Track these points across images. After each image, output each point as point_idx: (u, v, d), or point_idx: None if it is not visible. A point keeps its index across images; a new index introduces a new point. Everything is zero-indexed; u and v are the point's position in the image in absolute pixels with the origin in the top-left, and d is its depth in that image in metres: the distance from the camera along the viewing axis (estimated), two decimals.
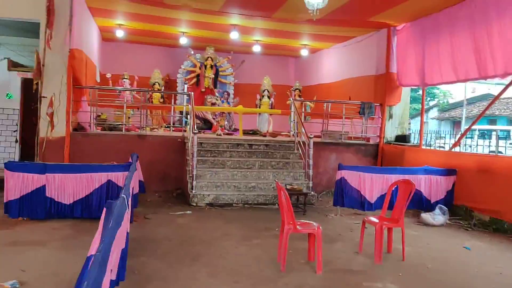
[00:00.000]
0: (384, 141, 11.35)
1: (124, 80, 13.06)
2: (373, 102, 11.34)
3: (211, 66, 15.10)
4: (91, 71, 11.72)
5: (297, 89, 14.46)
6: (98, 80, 13.07)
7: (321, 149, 10.67)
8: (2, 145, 10.20)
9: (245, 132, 12.80)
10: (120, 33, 12.79)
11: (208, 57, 15.01)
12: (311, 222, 5.47)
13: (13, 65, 10.24)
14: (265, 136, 12.71)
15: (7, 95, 10.29)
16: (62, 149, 9.23)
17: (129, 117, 12.16)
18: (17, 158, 10.11)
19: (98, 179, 7.15)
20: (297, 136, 10.58)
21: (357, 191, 8.28)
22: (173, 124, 14.07)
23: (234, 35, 12.05)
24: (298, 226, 5.12)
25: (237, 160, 9.61)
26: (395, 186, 6.36)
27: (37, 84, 9.26)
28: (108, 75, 12.66)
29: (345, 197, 8.27)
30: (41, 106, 9.28)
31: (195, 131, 8.91)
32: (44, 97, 9.27)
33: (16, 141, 10.15)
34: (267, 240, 6.39)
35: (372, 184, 8.31)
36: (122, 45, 15.23)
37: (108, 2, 10.31)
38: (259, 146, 10.24)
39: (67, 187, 7.00)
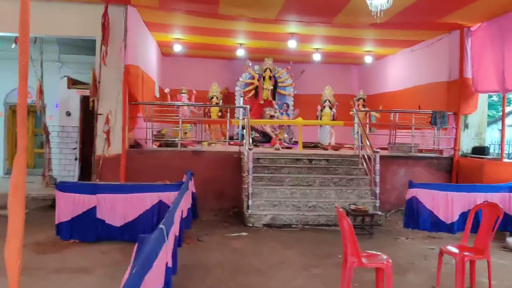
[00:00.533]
0: (460, 153, 10.26)
1: (182, 94, 12.90)
2: (446, 110, 10.30)
3: (270, 78, 14.64)
4: (149, 87, 11.65)
5: (361, 98, 13.63)
6: (158, 96, 13.02)
7: (389, 163, 9.79)
8: (62, 163, 10.29)
9: (305, 145, 12.16)
10: (178, 48, 12.67)
11: (266, 68, 14.57)
12: (379, 253, 4.73)
13: (73, 83, 10.34)
14: (326, 149, 12.00)
15: (66, 113, 10.38)
16: (118, 167, 9.09)
17: (185, 132, 11.94)
18: (76, 176, 10.14)
19: (150, 199, 6.83)
20: (361, 149, 9.80)
21: (431, 212, 7.38)
22: (231, 138, 13.79)
23: (292, 44, 11.51)
24: (363, 259, 4.41)
25: (296, 176, 9.00)
26: (478, 209, 5.47)
27: (93, 101, 9.22)
28: (167, 90, 12.55)
29: (418, 218, 7.40)
30: (97, 123, 9.22)
31: (251, 147, 8.41)
32: (100, 114, 9.21)
33: (76, 159, 10.20)
34: (328, 270, 5.71)
35: (448, 204, 7.37)
36: (180, 60, 15.18)
37: (164, 16, 10.15)
38: (320, 161, 9.57)
39: (117, 208, 6.73)
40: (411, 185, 7.55)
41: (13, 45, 9.64)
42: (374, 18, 6.95)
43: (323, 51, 13.38)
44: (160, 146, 10.21)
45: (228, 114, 12.11)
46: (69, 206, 6.66)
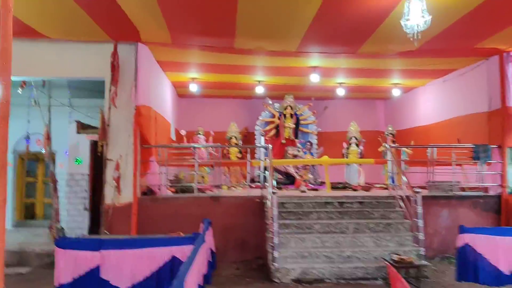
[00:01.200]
0: (508, 191, 9.15)
1: (199, 136, 12.19)
2: (489, 143, 9.29)
3: (291, 115, 13.89)
4: (163, 129, 10.99)
5: (390, 133, 12.69)
6: (174, 138, 12.36)
7: (429, 204, 8.72)
8: (71, 214, 9.53)
9: (333, 186, 11.19)
10: (194, 87, 12.07)
11: (287, 106, 13.84)
12: None
13: (83, 127, 9.73)
14: (356, 190, 11.00)
15: (76, 161, 9.71)
16: (130, 217, 8.28)
17: (202, 176, 11.15)
18: (86, 228, 9.34)
19: (161, 255, 5.90)
20: (397, 189, 8.80)
21: (490, 262, 6.27)
22: (252, 181, 12.93)
23: (314, 78, 10.77)
24: None
25: (327, 222, 8.02)
26: None
27: (102, 146, 8.54)
28: (183, 132, 11.87)
29: (474, 270, 6.27)
30: (107, 169, 8.50)
31: (275, 190, 7.51)
32: (109, 159, 8.50)
33: (85, 209, 9.43)
34: None
35: (510, 252, 6.26)
36: (197, 100, 14.65)
37: (178, 54, 9.59)
38: (352, 204, 8.58)
39: (124, 266, 5.82)
40: (463, 230, 6.48)
41: (19, 90, 9.18)
42: (404, 45, 6.19)
43: (347, 85, 12.62)
44: (175, 192, 9.40)
45: (249, 155, 11.32)
46: (70, 265, 5.78)
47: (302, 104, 14.18)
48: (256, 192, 9.06)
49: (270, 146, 8.74)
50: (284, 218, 8.13)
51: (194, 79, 11.92)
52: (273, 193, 7.59)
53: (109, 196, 8.44)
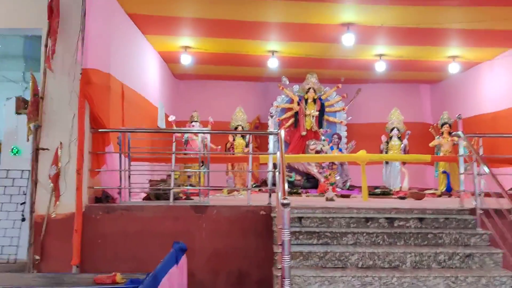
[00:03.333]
0: None
1: (193, 123, 9.34)
2: None
3: (314, 101, 10.95)
4: (144, 113, 8.25)
5: (445, 123, 9.58)
6: (163, 126, 9.59)
7: None
8: (2, 226, 6.78)
9: (370, 192, 8.20)
10: (186, 60, 9.26)
11: (309, 88, 10.90)
12: None
13: (24, 106, 6.99)
14: (403, 198, 8.01)
15: (12, 150, 7.01)
16: (71, 236, 5.51)
17: (189, 176, 8.33)
18: (25, 246, 6.59)
19: None
20: (476, 199, 5.78)
21: None
22: (264, 183, 10.12)
23: (348, 40, 7.74)
24: None
25: (370, 251, 5.06)
26: None
27: (36, 128, 5.80)
28: (171, 118, 9.03)
29: None
30: (39, 164, 5.76)
31: (286, 200, 4.56)
32: (44, 149, 5.76)
33: (23, 220, 6.68)
34: None
35: None
36: (198, 83, 11.96)
37: (159, 5, 6.83)
38: (408, 222, 5.61)
39: None
40: None
41: None
42: None
43: (389, 59, 9.58)
44: (147, 199, 6.60)
45: (248, 152, 8.46)
46: None
47: (329, 86, 11.21)
48: (264, 200, 6.16)
49: (282, 132, 5.81)
50: (301, 242, 5.24)
51: (187, 49, 9.11)
52: (284, 204, 4.65)
53: (43, 203, 5.70)
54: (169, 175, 8.07)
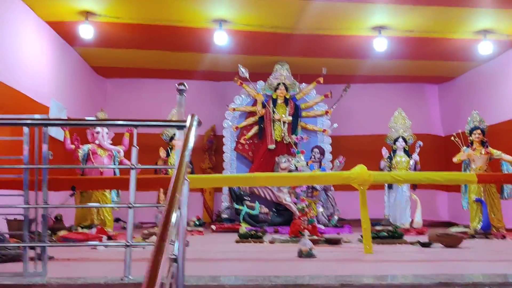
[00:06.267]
0: None
1: (98, 130, 6.06)
2: None
3: (286, 101, 7.86)
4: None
5: (477, 128, 6.46)
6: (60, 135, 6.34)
7: None
8: None
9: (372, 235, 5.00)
10: (87, 32, 6.10)
11: (278, 84, 7.82)
12: None
13: None
14: (427, 244, 4.86)
15: None
16: None
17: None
18: None
19: None
20: None
21: None
22: (218, 218, 7.16)
23: None
24: None
25: None
26: None
27: None
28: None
29: None
30: None
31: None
32: None
33: None
34: None
35: None
36: (129, 83, 8.88)
37: None
38: None
39: None
40: None
41: None
42: None
43: (392, 35, 6.57)
44: None
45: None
46: None
47: (305, 82, 8.15)
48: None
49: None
50: None
51: (89, 16, 5.97)
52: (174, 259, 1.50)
53: None
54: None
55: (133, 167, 2.85)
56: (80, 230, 5.76)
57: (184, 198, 2.30)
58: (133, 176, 2.86)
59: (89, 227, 5.77)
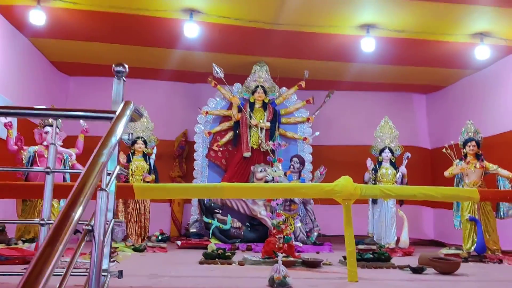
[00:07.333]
0: None
1: (45, 129, 5.27)
2: None
3: (264, 106, 7.21)
4: None
5: (472, 140, 5.87)
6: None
7: None
8: None
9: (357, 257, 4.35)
10: (38, 19, 5.36)
11: (256, 87, 7.17)
12: None
13: None
14: (418, 269, 4.22)
15: None
16: None
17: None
18: None
19: None
20: None
21: None
22: (186, 232, 6.49)
23: None
24: None
25: None
26: None
27: None
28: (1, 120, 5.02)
29: None
30: None
31: None
32: None
33: None
34: None
35: None
36: (93, 81, 8.00)
37: None
38: None
39: None
40: None
41: None
42: None
43: (382, 35, 5.99)
44: None
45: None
46: None
47: (285, 86, 7.51)
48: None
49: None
50: None
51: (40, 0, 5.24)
52: None
53: None
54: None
55: (48, 170, 2.13)
56: (20, 244, 5.00)
57: (101, 217, 1.61)
58: (48, 182, 2.14)
59: (32, 240, 5.01)
